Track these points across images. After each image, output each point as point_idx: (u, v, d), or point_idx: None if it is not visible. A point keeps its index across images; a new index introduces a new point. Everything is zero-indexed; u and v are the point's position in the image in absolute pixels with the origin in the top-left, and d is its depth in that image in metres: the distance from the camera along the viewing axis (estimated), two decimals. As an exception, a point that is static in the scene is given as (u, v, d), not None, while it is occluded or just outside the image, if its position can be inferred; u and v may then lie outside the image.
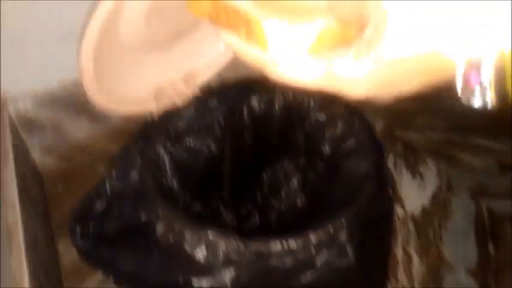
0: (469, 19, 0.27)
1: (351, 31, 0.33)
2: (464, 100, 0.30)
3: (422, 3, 0.28)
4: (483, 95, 0.29)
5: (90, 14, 0.55)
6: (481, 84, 0.29)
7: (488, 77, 0.28)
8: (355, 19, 0.32)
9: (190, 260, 0.55)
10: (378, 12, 0.29)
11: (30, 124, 0.82)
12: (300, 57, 0.35)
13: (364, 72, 0.31)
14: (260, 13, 0.36)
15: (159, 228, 0.57)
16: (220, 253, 0.54)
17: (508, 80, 0.28)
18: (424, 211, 0.87)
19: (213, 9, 0.41)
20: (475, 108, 0.29)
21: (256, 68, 0.40)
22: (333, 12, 0.34)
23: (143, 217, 0.60)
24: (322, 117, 0.74)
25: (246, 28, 0.38)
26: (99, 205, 0.66)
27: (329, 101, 0.74)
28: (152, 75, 0.74)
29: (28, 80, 0.78)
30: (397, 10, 0.29)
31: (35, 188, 0.82)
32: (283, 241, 0.54)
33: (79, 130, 0.88)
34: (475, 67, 0.28)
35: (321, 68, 0.34)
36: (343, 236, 0.56)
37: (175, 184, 0.68)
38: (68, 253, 0.80)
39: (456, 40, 0.28)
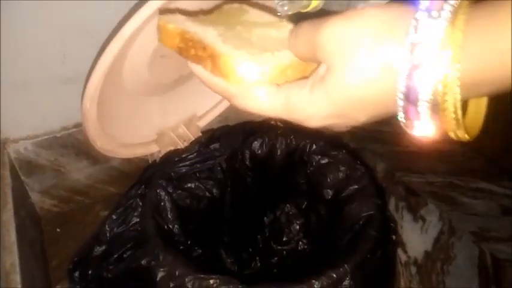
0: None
1: (312, 66, 0.37)
2: (406, 130, 0.33)
3: None
4: (422, 127, 0.32)
5: (95, 60, 0.56)
6: (418, 117, 0.31)
7: (425, 109, 0.30)
8: (311, 58, 0.36)
9: (191, 306, 0.54)
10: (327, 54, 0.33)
11: (30, 166, 0.82)
12: (261, 89, 0.38)
13: (318, 106, 0.35)
14: (225, 47, 0.40)
15: (160, 273, 0.56)
16: (223, 300, 0.53)
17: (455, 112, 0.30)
18: (427, 255, 0.86)
19: (182, 41, 0.43)
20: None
21: (223, 97, 0.42)
22: (292, 50, 0.38)
23: (143, 262, 0.59)
24: (324, 161, 0.74)
25: (211, 61, 0.40)
26: (99, 249, 0.65)
27: (331, 145, 0.74)
28: (154, 119, 0.75)
29: (28, 122, 0.78)
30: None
31: (33, 230, 0.81)
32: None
33: (78, 172, 0.88)
34: (412, 101, 0.31)
35: (280, 100, 0.37)
36: (346, 283, 0.56)
37: (176, 228, 0.68)
38: (65, 297, 0.79)
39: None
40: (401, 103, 0.31)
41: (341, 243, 0.66)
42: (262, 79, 0.38)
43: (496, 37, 0.27)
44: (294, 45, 0.38)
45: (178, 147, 0.75)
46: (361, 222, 0.64)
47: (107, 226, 0.66)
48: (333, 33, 0.33)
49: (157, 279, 0.56)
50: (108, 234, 0.66)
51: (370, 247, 0.60)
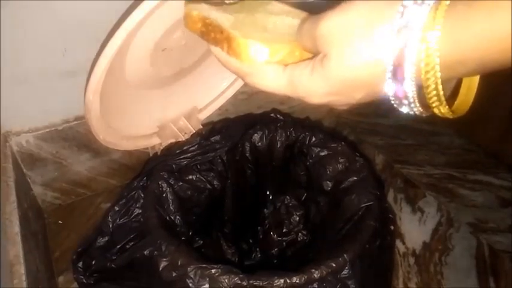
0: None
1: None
2: (396, 108, 0.37)
3: None
4: (409, 105, 0.35)
5: (98, 53, 0.57)
6: (406, 95, 0.35)
7: (411, 87, 0.34)
8: (315, 50, 0.40)
9: (194, 295, 0.55)
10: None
11: (32, 159, 0.83)
12: (269, 69, 0.43)
13: (318, 85, 0.39)
14: (239, 32, 0.45)
15: (162, 263, 0.57)
16: (224, 289, 0.54)
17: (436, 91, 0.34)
18: (425, 246, 0.87)
19: (203, 26, 0.49)
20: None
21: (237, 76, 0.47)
22: (300, 45, 0.43)
23: (146, 252, 0.59)
24: (323, 153, 0.74)
25: (227, 43, 0.45)
26: (102, 240, 0.66)
27: (330, 138, 0.75)
28: (155, 112, 0.75)
29: (30, 115, 0.79)
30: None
31: (36, 222, 0.82)
32: (287, 277, 0.54)
33: (80, 165, 0.89)
34: (399, 80, 0.34)
35: (285, 78, 0.42)
36: (345, 272, 0.56)
37: (177, 219, 0.68)
38: (68, 287, 0.80)
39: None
40: (390, 82, 0.35)
41: (340, 234, 0.66)
42: (271, 59, 0.43)
43: (471, 23, 0.30)
44: (300, 41, 0.42)
45: (179, 139, 0.75)
46: (360, 213, 0.65)
47: (109, 217, 0.66)
48: (329, 26, 0.37)
49: (160, 268, 0.56)
50: (110, 226, 0.66)
51: (369, 237, 0.60)
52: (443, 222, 0.90)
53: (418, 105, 0.35)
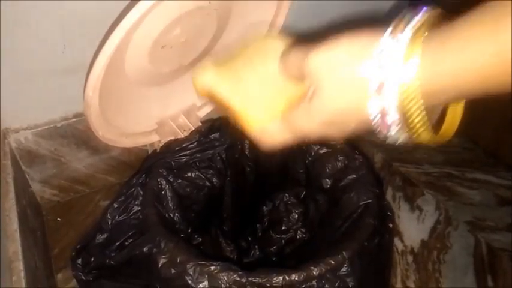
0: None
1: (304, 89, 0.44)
2: (383, 137, 0.39)
3: None
4: (395, 133, 0.38)
5: (97, 49, 0.57)
6: (391, 124, 0.37)
7: (395, 118, 0.36)
8: (300, 79, 0.43)
9: (193, 292, 0.55)
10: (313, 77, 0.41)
11: (31, 156, 0.83)
12: (273, 127, 0.47)
13: (311, 119, 0.42)
14: (239, 105, 0.49)
15: (161, 260, 0.57)
16: (223, 286, 0.54)
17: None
18: (423, 244, 0.87)
19: (209, 97, 0.53)
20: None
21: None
22: (282, 73, 0.47)
23: (145, 249, 0.59)
24: (322, 151, 0.74)
25: (232, 114, 0.49)
26: (101, 237, 0.66)
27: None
28: (155, 108, 0.75)
29: (29, 112, 0.79)
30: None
31: (34, 219, 0.81)
32: (286, 274, 0.54)
33: (78, 162, 0.88)
34: (383, 111, 0.37)
35: (286, 126, 0.46)
36: (344, 270, 0.56)
37: (176, 216, 0.68)
38: (66, 284, 0.80)
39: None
40: (374, 113, 0.37)
41: (339, 232, 0.66)
42: (271, 119, 0.47)
43: (446, 56, 0.33)
44: (284, 70, 0.47)
45: (179, 136, 0.75)
46: (358, 211, 0.65)
47: (108, 214, 0.67)
48: (316, 62, 0.40)
49: (159, 265, 0.56)
50: (109, 223, 0.66)
51: (367, 235, 0.60)
52: (441, 221, 0.90)
53: (403, 132, 0.37)
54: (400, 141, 0.39)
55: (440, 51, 0.34)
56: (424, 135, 0.37)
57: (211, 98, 0.52)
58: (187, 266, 0.55)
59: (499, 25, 0.31)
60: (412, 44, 0.35)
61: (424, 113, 0.35)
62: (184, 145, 0.73)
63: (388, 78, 0.35)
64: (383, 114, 0.37)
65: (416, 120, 0.36)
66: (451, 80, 0.34)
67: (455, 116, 0.42)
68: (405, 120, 0.36)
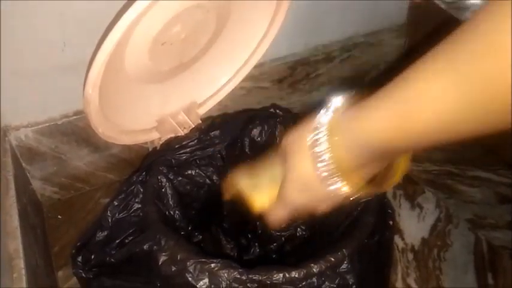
0: None
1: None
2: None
3: None
4: (339, 191, 0.47)
5: (97, 46, 0.57)
6: (332, 185, 0.47)
7: (334, 180, 0.46)
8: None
9: (193, 290, 0.55)
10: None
11: (31, 153, 0.83)
12: (272, 207, 0.58)
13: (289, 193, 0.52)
14: (250, 195, 0.61)
15: (162, 258, 0.57)
16: (223, 283, 0.54)
17: None
18: (424, 242, 0.87)
19: (236, 191, 0.64)
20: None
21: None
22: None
23: (145, 246, 0.59)
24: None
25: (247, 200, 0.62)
26: (101, 234, 0.66)
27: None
28: (155, 106, 0.75)
29: (29, 110, 0.79)
30: None
31: (35, 217, 0.82)
32: (286, 271, 0.54)
33: (79, 160, 0.88)
34: (325, 177, 0.47)
35: (279, 202, 0.55)
36: (344, 267, 0.57)
37: (177, 214, 0.69)
38: (67, 282, 0.80)
39: None
40: (321, 178, 0.46)
41: (339, 229, 0.66)
42: (271, 201, 0.58)
43: (362, 121, 0.42)
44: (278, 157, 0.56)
45: (179, 134, 0.75)
46: (359, 209, 0.65)
47: (108, 212, 0.67)
48: (283, 142, 0.51)
49: (160, 263, 0.56)
50: (110, 220, 0.66)
51: (367, 232, 0.60)
52: (442, 218, 0.90)
53: (344, 189, 0.46)
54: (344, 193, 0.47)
55: (355, 117, 0.42)
56: (359, 193, 0.47)
57: (238, 193, 0.64)
58: (188, 263, 0.55)
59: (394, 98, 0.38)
60: (331, 132, 0.44)
61: (355, 176, 0.46)
62: (184, 143, 0.73)
63: (321, 154, 0.45)
64: (326, 180, 0.46)
65: (350, 182, 0.46)
66: (370, 141, 0.41)
67: (397, 172, 0.51)
68: (341, 181, 0.46)
